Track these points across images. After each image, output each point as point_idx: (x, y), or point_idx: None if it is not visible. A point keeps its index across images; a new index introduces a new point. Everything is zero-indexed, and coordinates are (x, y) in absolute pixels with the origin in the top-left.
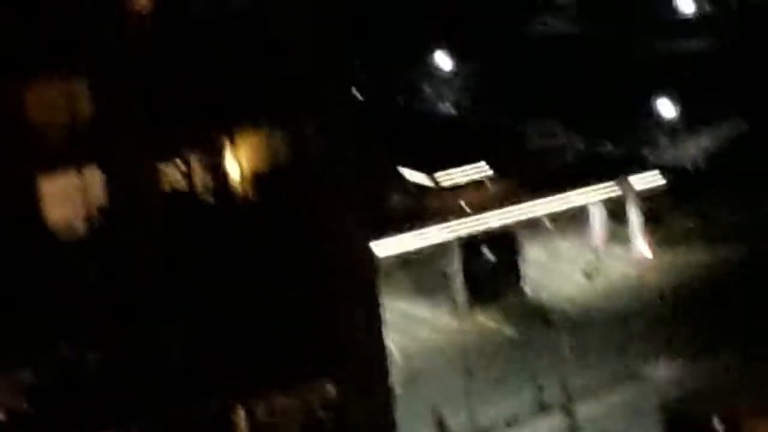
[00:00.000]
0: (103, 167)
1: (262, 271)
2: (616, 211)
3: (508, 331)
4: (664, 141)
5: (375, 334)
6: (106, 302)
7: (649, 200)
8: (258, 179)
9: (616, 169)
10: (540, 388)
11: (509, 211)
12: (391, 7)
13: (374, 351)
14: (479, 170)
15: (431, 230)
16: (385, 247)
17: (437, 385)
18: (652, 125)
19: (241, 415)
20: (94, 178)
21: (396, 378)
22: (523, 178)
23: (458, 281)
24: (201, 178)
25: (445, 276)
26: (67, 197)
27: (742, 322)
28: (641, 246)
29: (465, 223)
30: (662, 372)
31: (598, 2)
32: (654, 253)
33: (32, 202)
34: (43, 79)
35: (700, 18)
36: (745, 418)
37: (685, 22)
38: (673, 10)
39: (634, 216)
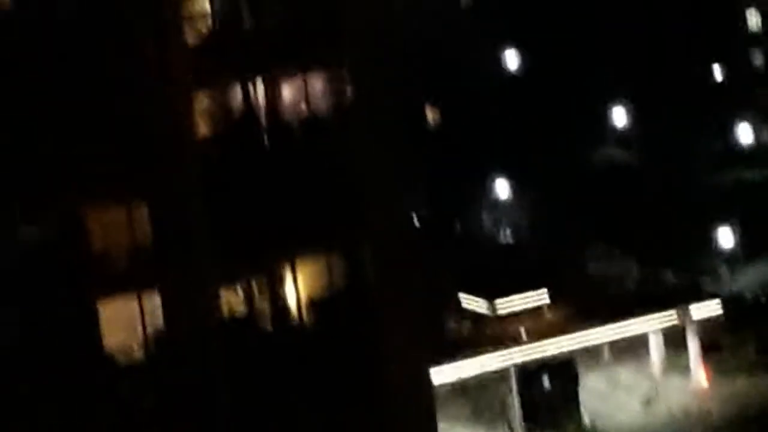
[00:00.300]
0: (163, 292)
1: (319, 395)
2: (674, 339)
3: None
4: (723, 270)
5: None
6: (164, 428)
7: (707, 329)
8: (317, 304)
9: (675, 298)
10: None
11: (567, 339)
12: (450, 135)
13: None
14: (538, 297)
15: (489, 357)
16: (442, 374)
17: None
18: (711, 254)
19: None
20: (154, 303)
21: None
22: (581, 306)
23: (516, 408)
24: (260, 302)
25: (503, 403)
26: (127, 322)
27: None
28: (699, 375)
29: (523, 350)
30: None
31: (658, 131)
32: (712, 382)
33: (92, 326)
34: (107, 204)
35: (760, 148)
36: None
37: (745, 152)
38: (733, 140)
39: (693, 345)
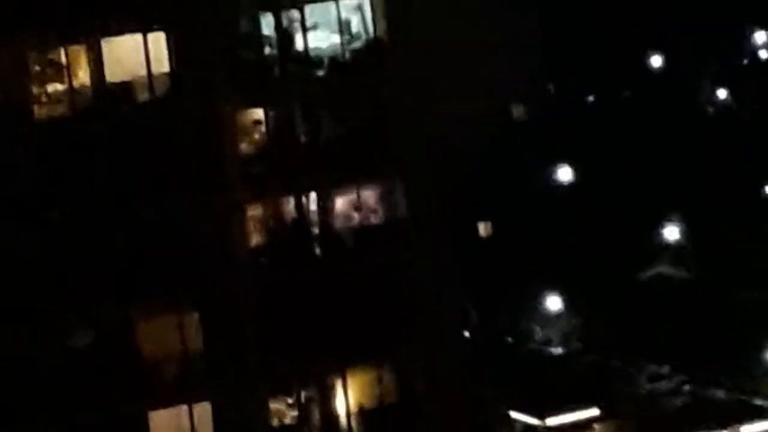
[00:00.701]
0: (214, 403)
1: None
2: None
3: None
4: None
5: None
6: None
7: None
8: (366, 416)
9: (727, 416)
10: None
11: None
12: (502, 248)
13: None
14: (588, 412)
15: None
16: None
17: None
18: (763, 372)
19: None
20: (205, 413)
21: None
22: (632, 421)
23: None
24: (310, 414)
25: None
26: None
27: None
28: None
29: None
30: None
31: (710, 247)
32: None
33: None
34: (159, 313)
35: None
36: None
37: None
38: None
39: None
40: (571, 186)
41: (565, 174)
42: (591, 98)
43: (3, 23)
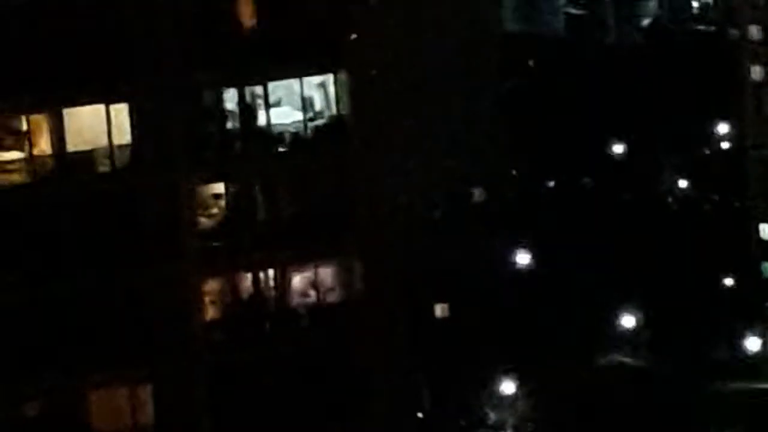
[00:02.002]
0: None
1: None
2: None
3: None
4: None
5: None
6: None
7: None
8: None
9: None
10: None
11: None
12: (456, 333)
13: None
14: None
15: None
16: None
17: None
18: None
19: None
20: None
21: None
22: None
23: None
24: None
25: None
26: None
27: None
28: None
29: None
30: None
31: (669, 338)
32: None
33: None
34: (109, 385)
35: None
36: None
37: (751, 363)
38: (740, 350)
39: None
40: (528, 270)
41: (523, 258)
42: (551, 184)
43: None
